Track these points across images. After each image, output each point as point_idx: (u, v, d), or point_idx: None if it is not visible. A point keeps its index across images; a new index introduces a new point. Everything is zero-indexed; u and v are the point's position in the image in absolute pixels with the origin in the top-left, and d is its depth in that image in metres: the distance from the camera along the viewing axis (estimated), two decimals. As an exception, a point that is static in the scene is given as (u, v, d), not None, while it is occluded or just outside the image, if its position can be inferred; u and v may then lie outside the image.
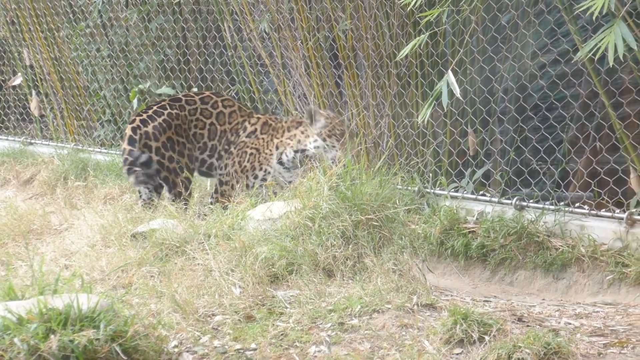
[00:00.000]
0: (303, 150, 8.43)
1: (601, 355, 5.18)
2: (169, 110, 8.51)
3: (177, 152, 8.49)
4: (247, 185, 8.59)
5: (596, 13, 6.02)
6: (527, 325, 5.56)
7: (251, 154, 8.58)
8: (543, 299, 6.88)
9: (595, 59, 6.39)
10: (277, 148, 8.50)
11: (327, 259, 6.55)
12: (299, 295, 6.08)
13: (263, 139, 8.59)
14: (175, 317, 5.68)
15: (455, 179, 8.40)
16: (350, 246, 6.66)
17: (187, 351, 5.33)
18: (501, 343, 5.09)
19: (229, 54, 10.39)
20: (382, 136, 8.88)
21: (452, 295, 6.60)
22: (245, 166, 8.58)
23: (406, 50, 7.14)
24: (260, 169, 8.56)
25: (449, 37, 8.41)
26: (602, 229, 7.17)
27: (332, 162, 8.11)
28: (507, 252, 7.39)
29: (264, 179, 8.54)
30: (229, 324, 5.68)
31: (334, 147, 8.27)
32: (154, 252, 6.93)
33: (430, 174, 8.47)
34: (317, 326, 5.63)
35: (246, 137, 8.62)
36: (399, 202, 7.17)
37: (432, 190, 8.22)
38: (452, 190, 8.18)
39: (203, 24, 10.78)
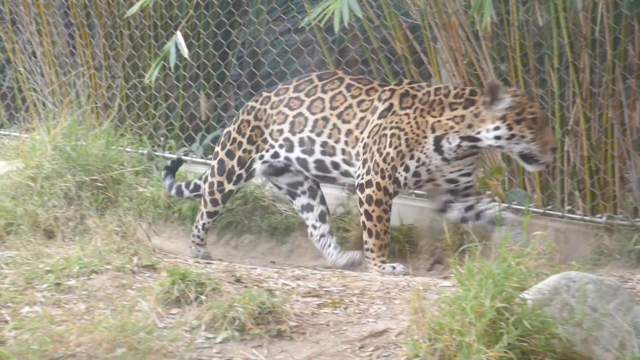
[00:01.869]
0: (474, 139, 6.25)
1: (314, 315, 5.29)
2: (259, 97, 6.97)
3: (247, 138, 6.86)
4: (397, 182, 6.39)
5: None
6: (245, 286, 5.61)
7: (392, 134, 6.40)
8: (266, 263, 6.98)
9: (322, 25, 6.50)
10: (433, 130, 6.37)
11: (48, 220, 6.43)
12: (16, 256, 5.92)
13: (408, 114, 6.41)
14: None
15: (185, 143, 8.38)
16: (72, 207, 6.55)
17: None
18: (217, 303, 5.12)
19: (-47, 7, 9.97)
20: (114, 98, 8.74)
21: (175, 258, 6.59)
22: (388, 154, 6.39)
23: (135, 8, 7.05)
24: (412, 156, 6.39)
25: (182, 0, 8.38)
26: (326, 195, 7.30)
27: (522, 160, 6.20)
28: (233, 216, 7.45)
29: (416, 173, 6.38)
30: (-64, 285, 5.48)
31: (523, 137, 6.11)
32: None
33: (161, 138, 8.42)
34: (33, 287, 5.50)
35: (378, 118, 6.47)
36: (127, 164, 7.10)
37: (161, 154, 8.16)
38: (182, 154, 8.15)
39: None
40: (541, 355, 4.37)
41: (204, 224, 7.03)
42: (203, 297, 5.24)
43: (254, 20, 8.20)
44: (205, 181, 7.01)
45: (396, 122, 6.36)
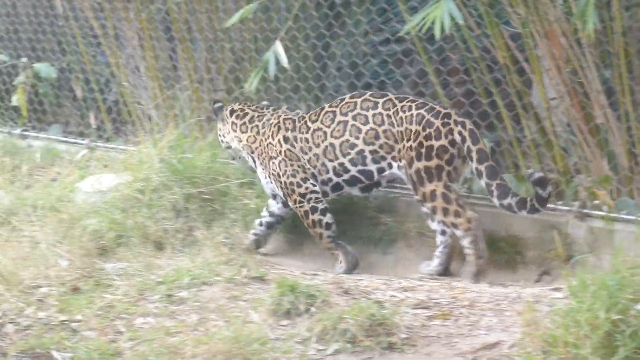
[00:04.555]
0: None
1: (424, 327, 5.29)
2: None
3: None
4: None
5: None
6: (354, 298, 5.64)
7: None
8: (372, 274, 6.98)
9: (422, 33, 6.49)
10: None
11: (157, 232, 6.54)
12: (128, 268, 6.05)
13: None
14: (-2, 288, 5.57)
15: (287, 155, 8.40)
16: (180, 219, 6.65)
17: (10, 322, 5.24)
18: (327, 314, 5.15)
19: (60, 24, 10.17)
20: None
21: (282, 269, 6.64)
22: None
23: (235, 18, 7.12)
24: None
25: (282, 12, 8.43)
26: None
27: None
28: (337, 228, 7.46)
29: None
30: (55, 296, 5.61)
31: None
32: (-23, 223, 6.78)
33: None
34: (145, 298, 5.61)
35: None
36: (232, 176, 7.17)
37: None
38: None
39: (34, -8, 10.52)
40: (660, 369, 4.32)
41: None
42: (313, 309, 5.27)
43: (353, 32, 8.22)
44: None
45: None
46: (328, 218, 6.96)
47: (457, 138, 6.58)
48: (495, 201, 6.54)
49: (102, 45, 9.75)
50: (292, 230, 7.50)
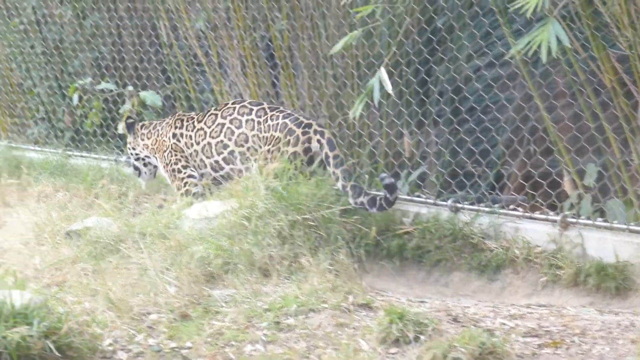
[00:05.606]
0: None
1: (535, 356, 5.22)
2: None
3: None
4: None
5: (530, 12, 6.05)
6: (463, 326, 5.59)
7: None
8: (478, 301, 6.91)
9: (529, 56, 6.41)
10: None
11: (263, 259, 6.56)
12: (235, 295, 6.07)
13: None
14: (109, 315, 5.64)
15: (391, 181, 8.39)
16: (286, 246, 6.67)
17: (122, 349, 5.30)
18: (437, 343, 5.11)
19: (165, 52, 10.33)
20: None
21: (387, 296, 6.61)
22: None
23: (339, 45, 7.14)
24: None
25: (385, 39, 8.44)
26: (536, 231, 7.23)
27: None
28: (442, 254, 7.41)
29: None
30: (164, 323, 5.66)
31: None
32: (88, 250, 6.89)
33: (367, 175, 8.48)
34: (253, 325, 5.62)
35: None
36: (336, 203, 7.18)
37: (369, 192, 8.18)
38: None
39: (138, 21, 10.71)
40: None
41: None
42: (422, 337, 5.23)
43: (457, 56, 8.17)
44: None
45: None
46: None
47: (315, 145, 7.54)
48: (350, 200, 7.37)
49: (206, 73, 9.87)
50: (396, 256, 7.47)
